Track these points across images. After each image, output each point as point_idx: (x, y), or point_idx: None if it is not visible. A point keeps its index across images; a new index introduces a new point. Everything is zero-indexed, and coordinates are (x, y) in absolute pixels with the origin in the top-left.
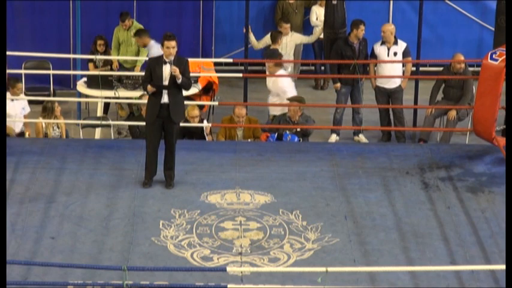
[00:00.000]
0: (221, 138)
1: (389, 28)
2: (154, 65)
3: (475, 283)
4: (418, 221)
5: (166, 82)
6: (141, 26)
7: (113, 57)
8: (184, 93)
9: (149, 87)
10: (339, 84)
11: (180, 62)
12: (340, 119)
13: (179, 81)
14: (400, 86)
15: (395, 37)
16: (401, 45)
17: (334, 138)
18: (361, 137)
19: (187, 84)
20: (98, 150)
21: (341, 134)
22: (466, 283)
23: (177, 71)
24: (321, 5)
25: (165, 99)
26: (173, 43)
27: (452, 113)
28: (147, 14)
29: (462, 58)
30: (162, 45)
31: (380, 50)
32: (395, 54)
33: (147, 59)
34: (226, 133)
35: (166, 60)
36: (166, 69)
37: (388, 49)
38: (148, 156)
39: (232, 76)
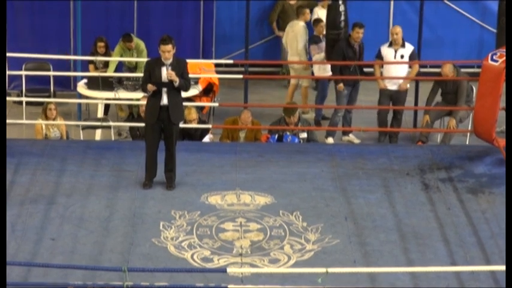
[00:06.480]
0: (225, 140)
1: (399, 30)
2: (153, 67)
3: (475, 284)
4: (418, 222)
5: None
6: (143, 45)
7: (113, 58)
8: (185, 94)
9: (150, 86)
10: (342, 85)
11: (179, 63)
12: (338, 122)
13: (176, 84)
14: (404, 88)
15: (402, 39)
16: (409, 48)
17: (331, 140)
18: (352, 137)
19: (186, 86)
20: (98, 151)
21: (336, 134)
22: (466, 284)
23: (173, 75)
24: (323, 6)
25: (164, 101)
26: (168, 47)
27: (452, 123)
28: (147, 14)
29: (451, 68)
30: (159, 48)
31: (387, 51)
32: (402, 57)
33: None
34: (229, 135)
35: (164, 62)
36: (165, 71)
37: (395, 51)
38: (148, 158)
39: (232, 77)
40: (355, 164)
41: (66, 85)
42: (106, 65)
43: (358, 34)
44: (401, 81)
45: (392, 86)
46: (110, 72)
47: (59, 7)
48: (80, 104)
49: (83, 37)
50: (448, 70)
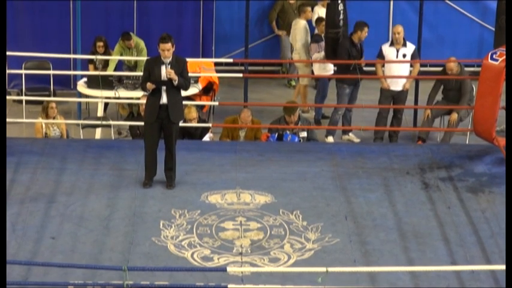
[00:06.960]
0: (225, 139)
1: (401, 29)
2: (152, 65)
3: (475, 283)
4: (418, 221)
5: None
6: (142, 44)
7: (113, 57)
8: (185, 93)
9: (149, 84)
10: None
11: (178, 62)
12: (338, 120)
13: (175, 83)
14: (407, 88)
15: (404, 39)
16: (410, 47)
17: (331, 139)
18: (352, 136)
19: (185, 85)
20: (98, 150)
21: (336, 133)
22: (466, 283)
23: (172, 74)
24: (323, 5)
25: (163, 100)
26: (168, 45)
27: (454, 117)
28: (147, 14)
29: (455, 63)
30: (158, 47)
31: (389, 51)
32: (404, 56)
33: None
34: (229, 134)
35: (164, 61)
36: (164, 69)
37: (397, 51)
38: (147, 157)
39: (232, 76)
40: (355, 163)
41: (66, 84)
42: (106, 64)
43: (366, 34)
44: (404, 82)
45: (395, 87)
46: (110, 71)
47: (59, 7)
48: (79, 103)
49: (82, 37)
50: (453, 64)
